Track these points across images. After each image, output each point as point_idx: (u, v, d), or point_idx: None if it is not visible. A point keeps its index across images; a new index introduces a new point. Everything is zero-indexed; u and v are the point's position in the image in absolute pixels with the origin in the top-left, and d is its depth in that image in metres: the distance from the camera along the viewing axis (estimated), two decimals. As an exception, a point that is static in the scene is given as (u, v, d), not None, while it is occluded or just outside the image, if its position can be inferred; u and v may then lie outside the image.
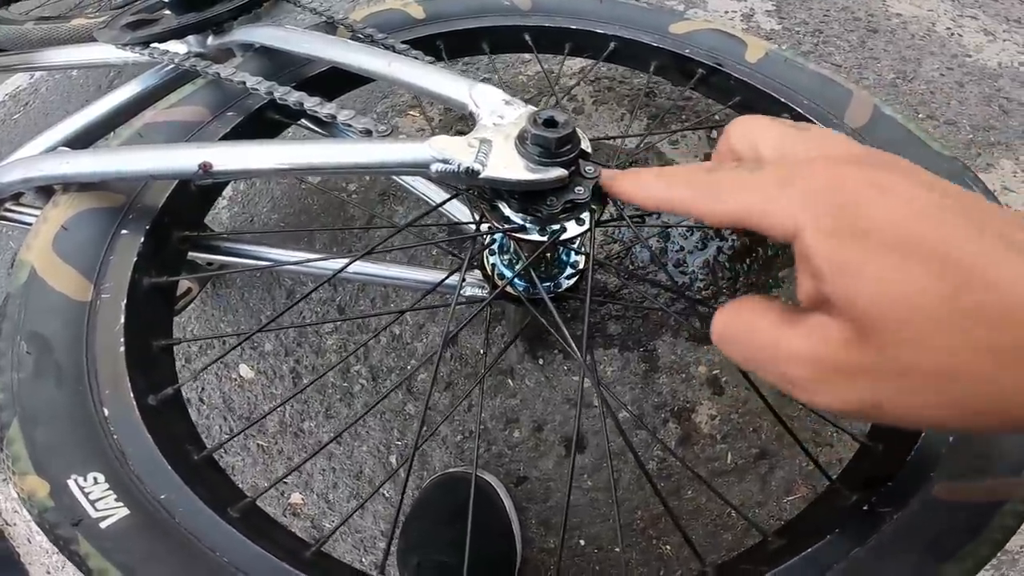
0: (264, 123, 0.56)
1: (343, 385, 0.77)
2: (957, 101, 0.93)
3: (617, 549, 0.69)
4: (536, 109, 0.37)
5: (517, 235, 0.38)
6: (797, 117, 0.59)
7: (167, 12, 0.60)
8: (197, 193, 0.51)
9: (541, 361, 0.75)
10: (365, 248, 0.45)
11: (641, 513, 0.71)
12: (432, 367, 0.49)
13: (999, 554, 0.67)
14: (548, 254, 0.46)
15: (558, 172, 0.35)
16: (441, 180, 0.37)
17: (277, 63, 0.59)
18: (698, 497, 0.71)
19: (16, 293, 0.41)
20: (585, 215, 0.38)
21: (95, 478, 0.37)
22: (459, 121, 0.91)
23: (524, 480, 0.73)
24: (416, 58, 0.53)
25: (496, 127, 0.38)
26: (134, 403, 0.40)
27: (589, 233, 0.38)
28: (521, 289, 0.47)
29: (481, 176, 0.35)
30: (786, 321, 0.23)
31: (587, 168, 0.36)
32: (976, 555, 0.35)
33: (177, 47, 0.61)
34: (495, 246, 0.48)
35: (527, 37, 0.69)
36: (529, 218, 0.37)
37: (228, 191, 0.93)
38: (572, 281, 0.47)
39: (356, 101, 0.97)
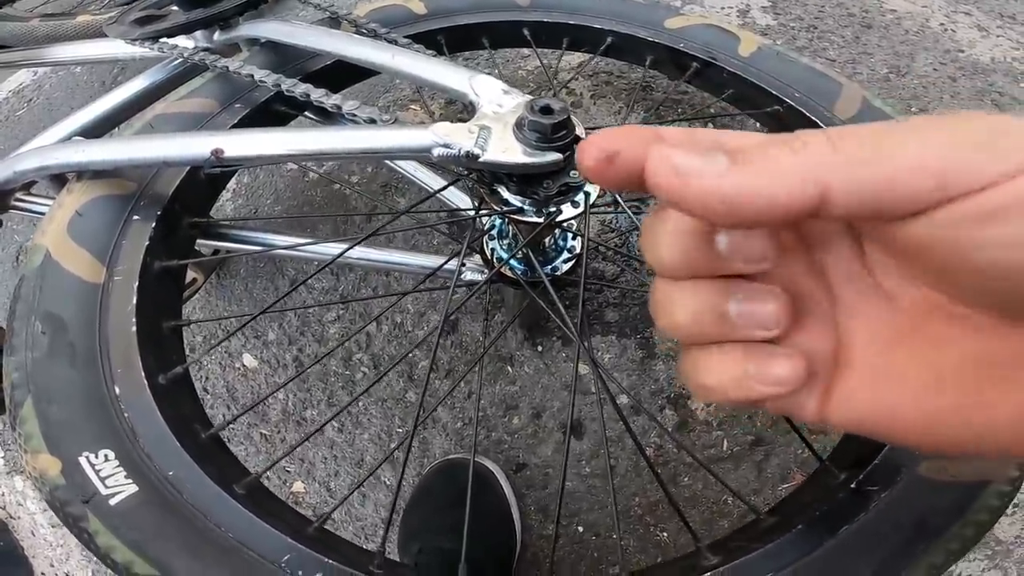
0: (271, 114, 0.58)
1: (345, 373, 0.79)
2: (950, 96, 0.94)
3: (615, 536, 0.71)
4: (533, 98, 0.38)
5: (515, 217, 0.40)
6: (788, 109, 0.60)
7: (175, 8, 0.61)
8: (206, 181, 0.52)
9: (540, 348, 0.76)
10: (367, 234, 0.47)
11: (639, 500, 0.72)
12: (431, 353, 0.51)
13: (993, 544, 0.69)
14: (546, 237, 0.48)
15: (554, 156, 0.36)
16: (442, 164, 0.39)
17: (283, 57, 0.60)
18: (694, 484, 0.72)
19: (31, 275, 0.43)
20: (580, 198, 0.40)
21: (106, 455, 0.38)
22: (459, 115, 0.92)
23: (523, 467, 0.74)
24: (418, 51, 0.54)
25: (495, 115, 0.40)
26: (145, 382, 0.41)
27: (584, 215, 0.40)
28: (520, 272, 0.49)
29: (481, 160, 0.37)
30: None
31: None
32: (962, 536, 0.36)
33: (185, 42, 0.63)
34: (494, 231, 0.50)
35: (526, 32, 0.70)
36: (527, 200, 0.39)
37: (232, 184, 0.94)
38: (569, 265, 0.49)
39: (358, 96, 0.98)
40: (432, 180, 0.63)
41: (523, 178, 0.38)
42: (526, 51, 0.98)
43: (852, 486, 0.39)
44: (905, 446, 0.20)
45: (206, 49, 0.61)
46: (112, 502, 0.36)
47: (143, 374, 0.41)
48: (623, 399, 0.74)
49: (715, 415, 0.73)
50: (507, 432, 0.75)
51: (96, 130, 0.63)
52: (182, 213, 0.50)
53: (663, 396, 0.74)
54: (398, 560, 0.65)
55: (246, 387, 0.81)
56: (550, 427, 0.75)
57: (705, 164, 0.17)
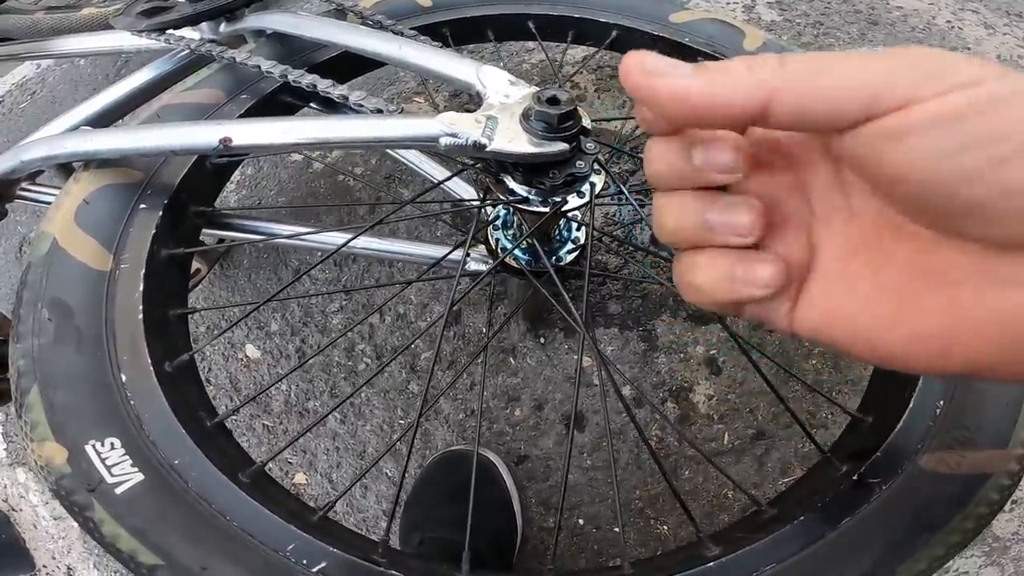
0: (277, 105, 0.58)
1: (348, 364, 0.79)
2: (955, 93, 0.94)
3: (616, 529, 0.71)
4: (540, 88, 0.38)
5: (521, 206, 0.40)
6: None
7: (181, 0, 0.61)
8: (212, 171, 0.52)
9: (542, 340, 0.77)
10: (372, 223, 0.47)
11: (639, 493, 0.72)
12: (435, 344, 0.51)
13: (991, 541, 0.69)
14: (551, 228, 0.48)
15: (560, 146, 0.36)
16: (449, 153, 0.39)
17: (289, 48, 0.61)
18: (695, 478, 0.72)
19: (38, 262, 0.43)
20: (586, 188, 0.40)
21: (112, 443, 0.38)
22: (464, 107, 0.92)
23: (525, 459, 0.74)
24: (425, 43, 0.54)
25: (502, 105, 0.40)
26: (151, 369, 0.41)
27: (589, 205, 0.40)
28: (524, 262, 0.49)
29: (488, 149, 0.37)
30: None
31: (587, 144, 0.38)
32: (962, 529, 0.36)
33: (191, 34, 0.63)
34: (499, 222, 0.50)
35: (531, 25, 0.70)
36: (532, 190, 0.39)
37: (236, 175, 0.95)
38: (573, 255, 0.49)
39: (363, 88, 0.98)
40: (436, 171, 0.64)
41: (529, 168, 0.38)
42: (531, 44, 0.98)
43: (854, 478, 0.39)
44: (857, 357, 0.21)
45: (212, 41, 0.61)
46: (118, 491, 0.36)
47: (149, 362, 0.41)
48: (625, 391, 0.74)
49: (716, 408, 0.73)
50: (509, 424, 0.75)
51: (102, 121, 0.63)
52: (188, 202, 0.50)
53: (665, 389, 0.74)
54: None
55: (249, 378, 0.82)
56: (552, 419, 0.75)
57: (673, 68, 0.20)
